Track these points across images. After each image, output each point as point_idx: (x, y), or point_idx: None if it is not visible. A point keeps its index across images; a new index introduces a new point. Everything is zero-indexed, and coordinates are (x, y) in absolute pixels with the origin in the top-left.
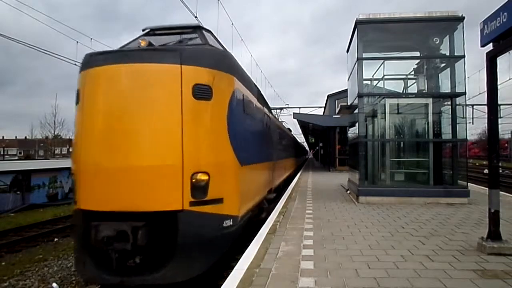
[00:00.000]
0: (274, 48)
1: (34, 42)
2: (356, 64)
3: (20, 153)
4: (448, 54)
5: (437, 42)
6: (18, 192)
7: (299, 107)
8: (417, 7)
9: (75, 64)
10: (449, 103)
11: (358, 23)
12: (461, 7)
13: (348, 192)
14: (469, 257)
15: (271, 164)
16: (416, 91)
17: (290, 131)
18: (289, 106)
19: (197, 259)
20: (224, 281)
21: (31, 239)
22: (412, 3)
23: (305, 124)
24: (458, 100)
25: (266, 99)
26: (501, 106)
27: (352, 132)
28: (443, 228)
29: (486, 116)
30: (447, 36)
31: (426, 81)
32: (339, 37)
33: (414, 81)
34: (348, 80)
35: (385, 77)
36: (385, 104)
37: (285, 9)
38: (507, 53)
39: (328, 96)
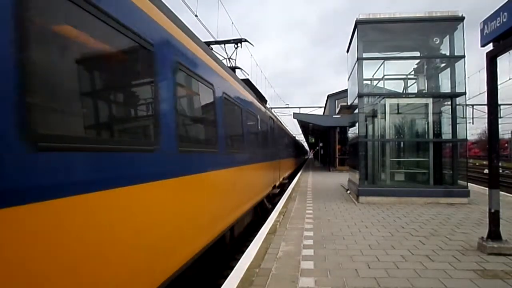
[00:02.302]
0: (280, 47)
1: None
2: (356, 64)
3: None
4: (448, 54)
5: (437, 42)
6: None
7: (299, 107)
8: (424, 7)
9: None
10: (449, 103)
11: (358, 23)
12: (469, 9)
13: (348, 192)
14: (469, 257)
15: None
16: (416, 91)
17: (267, 108)
18: (289, 106)
19: None
20: (224, 281)
21: None
22: (418, 5)
23: (305, 124)
24: (458, 100)
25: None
26: (501, 106)
27: (352, 132)
28: (443, 228)
29: (486, 116)
30: (447, 36)
31: (426, 81)
32: (344, 38)
33: (414, 81)
34: (348, 80)
35: (385, 77)
36: (385, 104)
37: (292, 9)
38: (507, 53)
39: (328, 96)
